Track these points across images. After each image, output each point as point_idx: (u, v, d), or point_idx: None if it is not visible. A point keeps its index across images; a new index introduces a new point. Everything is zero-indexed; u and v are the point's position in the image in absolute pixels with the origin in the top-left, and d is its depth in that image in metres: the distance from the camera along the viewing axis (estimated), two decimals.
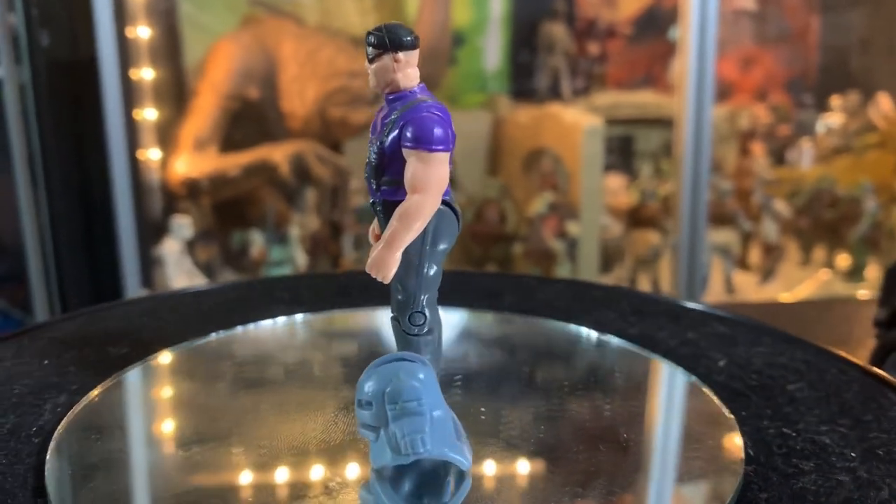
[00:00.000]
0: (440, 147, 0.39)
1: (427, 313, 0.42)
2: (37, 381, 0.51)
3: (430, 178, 0.39)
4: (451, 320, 0.62)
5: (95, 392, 0.49)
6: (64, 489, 0.38)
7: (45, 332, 0.60)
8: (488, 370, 0.54)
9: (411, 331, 0.42)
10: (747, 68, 2.20)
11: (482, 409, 0.47)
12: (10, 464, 0.41)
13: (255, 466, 0.41)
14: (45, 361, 0.54)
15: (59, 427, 0.44)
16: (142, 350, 0.55)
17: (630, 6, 2.10)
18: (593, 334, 0.59)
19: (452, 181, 0.41)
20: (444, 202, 0.40)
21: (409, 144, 0.39)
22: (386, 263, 0.39)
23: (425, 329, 0.42)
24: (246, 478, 0.41)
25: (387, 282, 0.39)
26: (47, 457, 0.41)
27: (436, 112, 0.39)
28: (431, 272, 0.41)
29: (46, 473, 0.39)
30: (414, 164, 0.39)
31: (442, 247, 0.41)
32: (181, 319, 0.63)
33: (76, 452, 0.43)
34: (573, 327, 0.60)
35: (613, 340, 0.58)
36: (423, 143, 0.39)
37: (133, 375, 0.52)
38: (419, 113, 0.39)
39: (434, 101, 0.40)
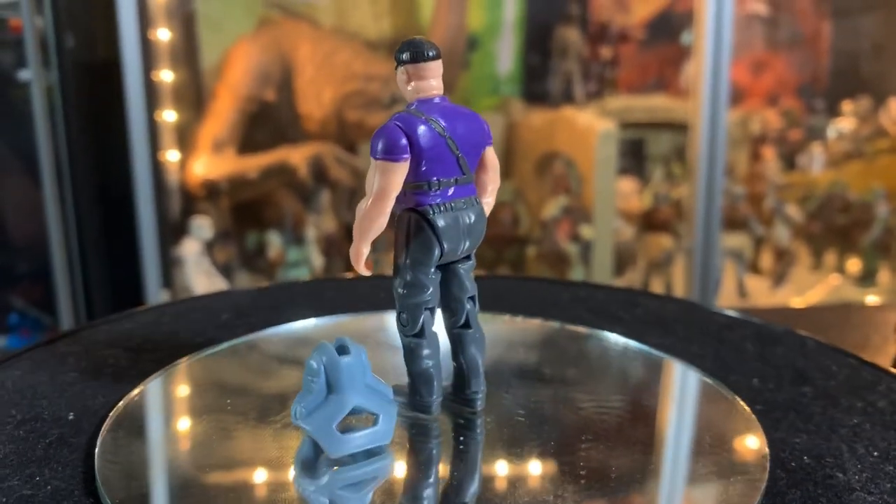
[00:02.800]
0: (381, 156, 0.41)
1: (408, 317, 0.44)
2: (81, 382, 0.52)
3: (373, 184, 0.41)
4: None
5: (135, 392, 0.50)
6: (114, 487, 0.40)
7: (94, 334, 0.61)
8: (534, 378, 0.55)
9: (399, 329, 0.45)
10: (759, 73, 2.21)
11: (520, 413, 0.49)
12: (59, 466, 0.42)
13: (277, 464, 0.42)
14: (93, 360, 0.55)
15: (104, 426, 0.45)
16: (191, 348, 0.57)
17: (643, 10, 2.11)
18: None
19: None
20: (420, 213, 0.42)
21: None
22: (352, 255, 0.42)
23: (412, 331, 0.44)
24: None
25: (360, 272, 0.42)
26: (96, 452, 0.42)
27: (395, 123, 0.41)
28: (410, 278, 0.43)
29: (97, 469, 0.41)
30: (370, 169, 0.42)
31: (418, 257, 0.43)
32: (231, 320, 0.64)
33: (120, 453, 0.44)
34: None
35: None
36: (372, 150, 0.41)
37: (178, 372, 0.53)
38: (384, 123, 0.42)
39: (423, 113, 0.42)
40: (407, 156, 0.41)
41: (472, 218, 0.43)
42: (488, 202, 0.46)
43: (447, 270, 0.45)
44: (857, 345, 1.07)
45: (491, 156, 0.45)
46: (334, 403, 0.41)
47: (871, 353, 0.99)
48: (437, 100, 0.43)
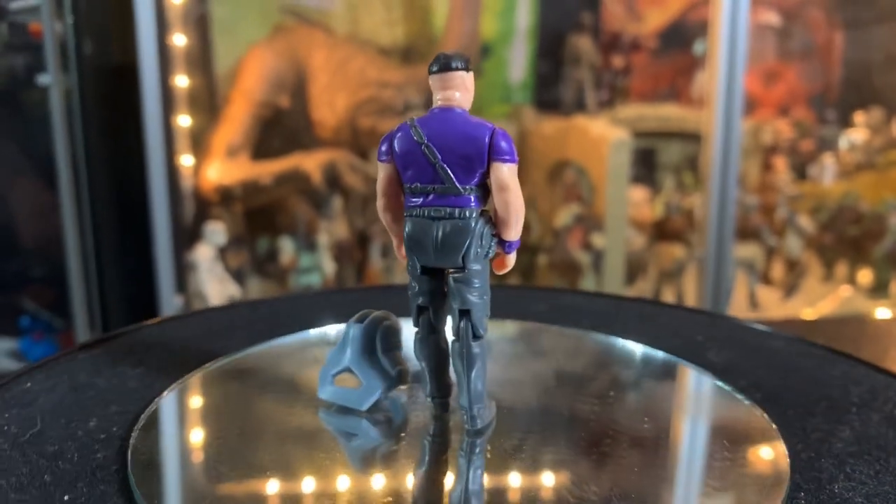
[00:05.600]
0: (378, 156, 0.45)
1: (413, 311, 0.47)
2: (115, 387, 0.52)
3: None
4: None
5: (164, 395, 0.50)
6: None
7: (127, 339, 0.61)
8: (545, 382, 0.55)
9: None
10: (770, 83, 2.21)
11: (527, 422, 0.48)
12: (90, 468, 0.42)
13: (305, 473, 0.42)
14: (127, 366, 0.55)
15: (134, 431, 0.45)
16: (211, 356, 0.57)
17: (655, 20, 2.11)
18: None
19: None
20: (405, 215, 0.44)
21: None
22: None
23: (413, 324, 0.47)
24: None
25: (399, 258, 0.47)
26: (129, 453, 0.42)
27: (394, 128, 0.44)
28: (408, 274, 0.46)
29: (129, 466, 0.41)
30: None
31: (406, 255, 0.45)
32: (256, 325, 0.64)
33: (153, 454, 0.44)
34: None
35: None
36: None
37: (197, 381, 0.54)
38: None
39: (418, 119, 0.44)
40: (386, 158, 0.44)
41: (445, 230, 0.43)
42: (501, 220, 0.44)
43: (447, 277, 0.45)
44: (875, 358, 1.07)
45: (497, 172, 0.42)
46: (336, 358, 0.49)
47: (889, 366, 0.99)
48: (458, 110, 0.43)
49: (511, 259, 0.45)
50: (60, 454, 0.44)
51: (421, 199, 0.43)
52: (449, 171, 0.43)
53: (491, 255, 0.44)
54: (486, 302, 0.45)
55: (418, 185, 0.43)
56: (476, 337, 0.45)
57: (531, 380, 0.56)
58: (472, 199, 0.43)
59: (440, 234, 0.43)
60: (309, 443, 0.46)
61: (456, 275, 0.44)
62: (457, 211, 0.43)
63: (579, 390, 0.54)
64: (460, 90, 0.43)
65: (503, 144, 0.42)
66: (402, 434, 0.48)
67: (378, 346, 0.48)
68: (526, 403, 0.51)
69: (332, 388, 0.49)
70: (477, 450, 0.45)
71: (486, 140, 0.42)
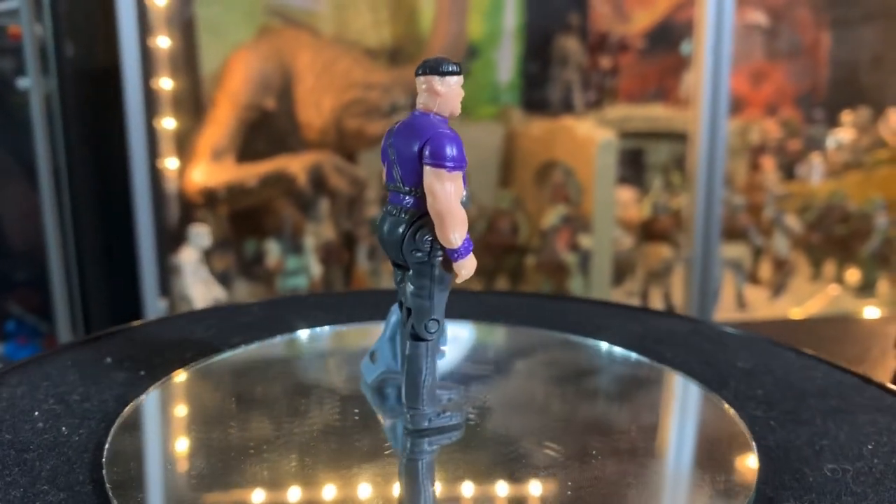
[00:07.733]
0: None
1: None
2: (89, 388, 0.52)
3: None
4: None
5: (146, 395, 0.50)
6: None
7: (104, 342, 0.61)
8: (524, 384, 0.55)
9: None
10: (758, 83, 2.22)
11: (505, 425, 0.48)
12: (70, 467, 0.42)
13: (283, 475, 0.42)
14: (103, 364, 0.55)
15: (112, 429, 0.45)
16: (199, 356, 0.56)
17: (642, 20, 2.11)
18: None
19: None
20: None
21: None
22: None
23: None
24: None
25: None
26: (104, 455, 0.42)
27: None
28: None
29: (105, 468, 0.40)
30: None
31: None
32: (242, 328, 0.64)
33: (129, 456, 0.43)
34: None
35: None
36: None
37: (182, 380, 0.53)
38: None
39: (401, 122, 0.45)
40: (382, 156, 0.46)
41: (387, 226, 0.44)
42: (434, 225, 0.43)
43: None
44: (857, 358, 1.07)
45: (425, 176, 0.42)
46: (381, 337, 0.54)
47: (869, 366, 0.99)
48: (429, 114, 0.44)
49: (460, 267, 0.43)
50: (39, 456, 0.43)
51: (388, 197, 0.45)
52: (397, 171, 0.44)
53: (436, 258, 0.44)
54: (431, 306, 0.44)
55: (387, 183, 0.45)
56: (417, 338, 0.45)
57: (531, 390, 0.55)
58: (413, 199, 0.44)
59: (385, 229, 0.45)
60: (284, 444, 0.46)
61: (409, 272, 0.45)
62: (397, 209, 0.44)
63: (560, 402, 0.54)
64: (431, 94, 0.43)
65: (436, 150, 0.42)
66: (357, 413, 0.49)
67: (399, 331, 0.51)
68: (498, 416, 0.50)
69: (365, 360, 0.54)
70: (418, 449, 0.45)
71: (421, 144, 0.42)
